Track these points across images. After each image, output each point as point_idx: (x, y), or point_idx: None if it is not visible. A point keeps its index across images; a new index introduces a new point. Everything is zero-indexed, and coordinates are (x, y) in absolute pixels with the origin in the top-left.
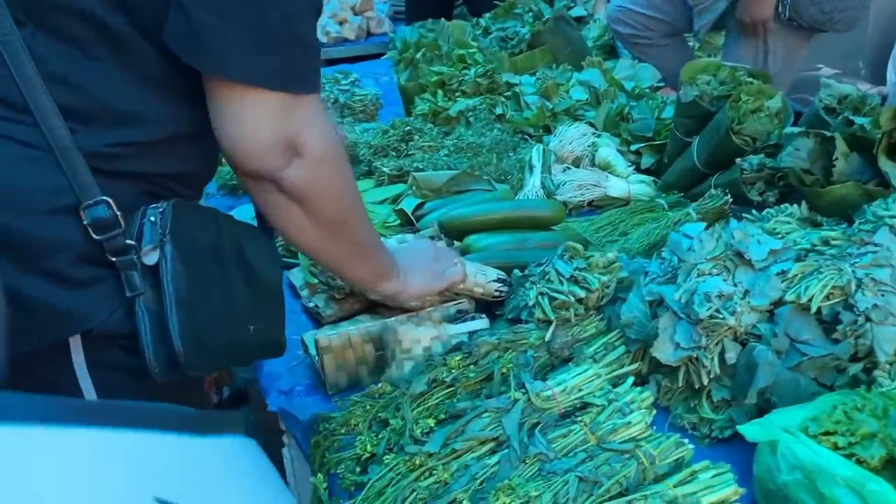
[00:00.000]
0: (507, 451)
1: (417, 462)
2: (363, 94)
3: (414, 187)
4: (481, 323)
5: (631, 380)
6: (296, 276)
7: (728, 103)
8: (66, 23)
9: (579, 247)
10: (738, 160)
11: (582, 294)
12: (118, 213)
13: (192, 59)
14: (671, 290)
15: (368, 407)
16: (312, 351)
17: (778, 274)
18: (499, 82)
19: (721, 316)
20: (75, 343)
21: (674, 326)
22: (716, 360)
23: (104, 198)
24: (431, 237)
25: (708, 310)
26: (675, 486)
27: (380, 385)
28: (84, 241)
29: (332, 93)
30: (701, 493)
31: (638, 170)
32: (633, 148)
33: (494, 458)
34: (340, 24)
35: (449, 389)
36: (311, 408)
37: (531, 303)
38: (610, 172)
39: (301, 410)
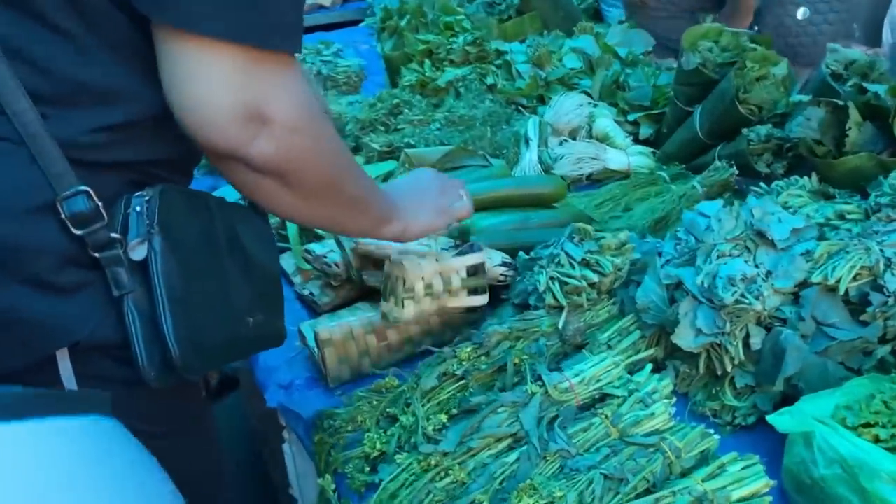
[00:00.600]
0: (526, 447)
1: (433, 462)
2: (346, 66)
3: (406, 164)
4: (479, 256)
5: (649, 367)
6: (287, 262)
7: (733, 71)
8: None
9: (589, 228)
10: (744, 130)
11: (595, 278)
12: (99, 203)
13: (140, 3)
14: (690, 272)
15: (375, 402)
16: (311, 343)
17: (802, 254)
18: (488, 50)
19: (747, 301)
20: (62, 356)
21: (694, 311)
22: (740, 345)
23: (83, 187)
24: None
25: (733, 294)
26: (703, 481)
27: (386, 379)
28: (66, 241)
29: (315, 64)
30: (731, 487)
31: (636, 140)
32: (630, 118)
33: (513, 456)
34: None
35: (460, 383)
36: (314, 403)
37: (541, 288)
38: (608, 144)
39: (303, 406)
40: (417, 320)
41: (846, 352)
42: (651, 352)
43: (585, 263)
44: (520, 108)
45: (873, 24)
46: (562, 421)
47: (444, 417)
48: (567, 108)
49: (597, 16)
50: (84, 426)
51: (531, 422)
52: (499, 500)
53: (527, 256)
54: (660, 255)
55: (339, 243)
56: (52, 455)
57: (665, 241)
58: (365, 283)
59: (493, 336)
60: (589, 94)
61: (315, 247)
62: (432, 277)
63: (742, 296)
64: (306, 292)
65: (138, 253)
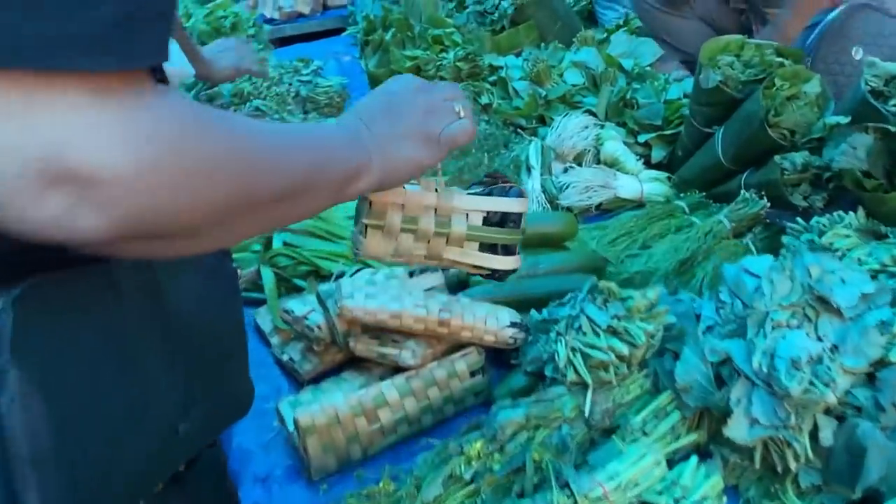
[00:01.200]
0: None
1: None
2: (327, 85)
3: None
4: (511, 203)
5: (695, 461)
6: (263, 319)
7: (761, 90)
8: None
9: (614, 287)
10: (776, 157)
11: (625, 350)
12: None
13: None
14: (740, 346)
15: None
16: (291, 427)
17: (875, 325)
18: (482, 66)
19: (817, 391)
20: None
21: (749, 397)
22: (807, 440)
23: None
24: (426, 266)
25: (800, 383)
26: None
27: (381, 484)
28: None
29: (294, 85)
30: None
31: (648, 164)
32: (641, 139)
33: None
34: None
35: (470, 488)
36: (295, 500)
37: (561, 363)
38: (618, 169)
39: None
40: (394, 256)
41: None
42: (694, 437)
43: (612, 331)
44: (518, 129)
45: None
46: None
47: None
48: (571, 130)
49: (591, 18)
50: None
51: None
52: None
53: (540, 316)
54: (698, 317)
55: (321, 302)
56: None
57: (703, 300)
58: (352, 350)
59: (507, 426)
60: (594, 113)
61: (294, 305)
62: (420, 211)
63: (810, 383)
64: (285, 357)
65: None
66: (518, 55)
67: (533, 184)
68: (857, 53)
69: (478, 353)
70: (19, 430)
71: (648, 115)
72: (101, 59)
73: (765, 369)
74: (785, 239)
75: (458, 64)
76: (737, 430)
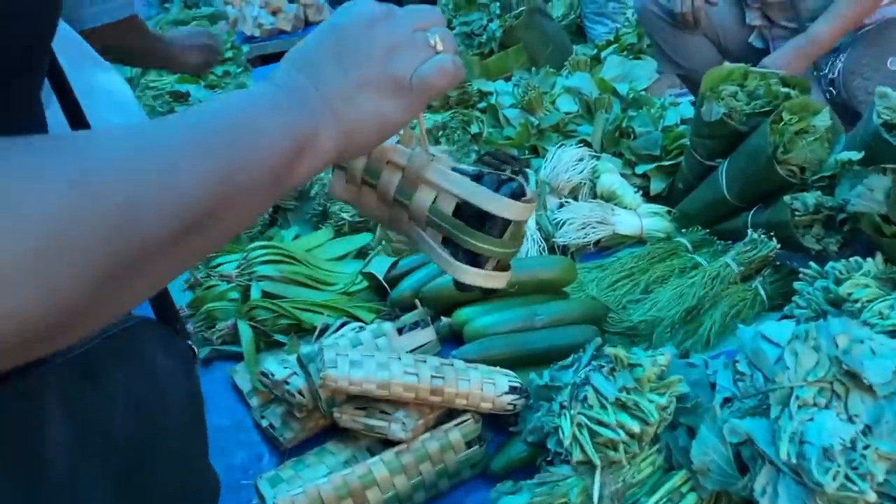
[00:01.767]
0: None
1: None
2: None
3: (384, 241)
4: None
5: None
6: (241, 377)
7: (768, 125)
8: None
9: (622, 353)
10: (786, 198)
11: (636, 427)
12: None
13: None
14: (762, 427)
15: None
16: None
17: None
18: (470, 93)
19: (855, 488)
20: None
21: (774, 486)
22: None
23: None
24: (416, 322)
25: (834, 478)
26: None
27: None
28: None
29: None
30: None
31: (646, 195)
32: (638, 170)
33: None
34: (274, 13)
35: None
36: None
37: (566, 440)
38: (616, 204)
39: None
40: (360, 209)
41: None
42: None
43: (621, 404)
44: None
45: None
46: None
47: None
48: (566, 163)
49: (579, 33)
50: None
51: None
52: None
53: (541, 381)
54: (712, 385)
55: (302, 366)
56: None
57: (717, 363)
58: (336, 421)
59: None
60: (588, 143)
61: (274, 367)
62: (383, 166)
63: (846, 477)
64: (265, 423)
65: None
66: (507, 79)
67: (528, 221)
68: (893, 64)
69: (474, 422)
70: None
71: (646, 145)
72: None
73: (793, 459)
74: (797, 285)
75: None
76: None
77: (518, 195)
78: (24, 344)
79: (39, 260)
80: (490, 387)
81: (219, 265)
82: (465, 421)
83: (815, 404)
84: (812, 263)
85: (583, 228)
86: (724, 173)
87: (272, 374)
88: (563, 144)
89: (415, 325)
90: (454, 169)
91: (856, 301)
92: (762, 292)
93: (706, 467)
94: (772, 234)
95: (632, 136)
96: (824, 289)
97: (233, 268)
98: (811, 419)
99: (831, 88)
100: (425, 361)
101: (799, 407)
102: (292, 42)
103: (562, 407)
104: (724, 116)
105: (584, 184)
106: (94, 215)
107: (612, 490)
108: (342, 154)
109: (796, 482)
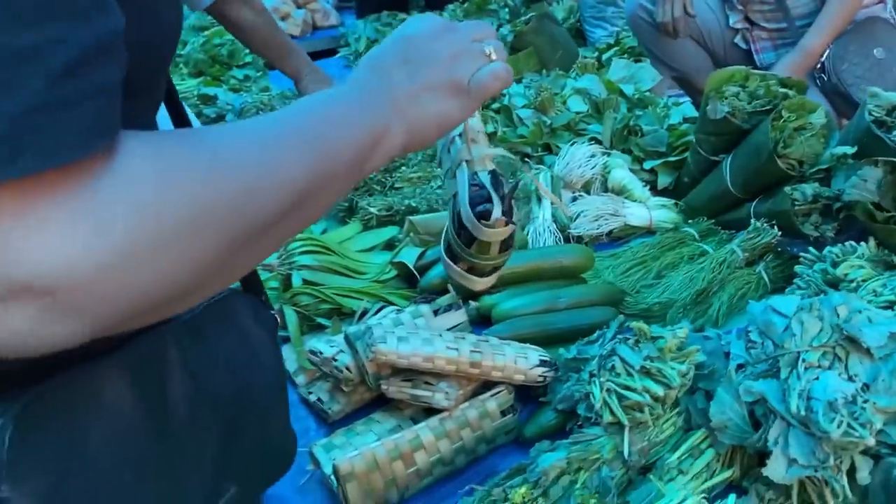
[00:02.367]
0: None
1: None
2: None
3: (411, 233)
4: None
5: (733, 499)
6: (287, 356)
7: (769, 122)
8: None
9: (646, 328)
10: (786, 189)
11: (660, 391)
12: None
13: None
14: (774, 387)
15: None
16: (327, 470)
17: None
18: None
19: (856, 434)
20: None
21: (786, 437)
22: (845, 480)
23: None
24: (449, 305)
25: (838, 426)
26: None
27: None
28: None
29: None
30: None
31: (654, 190)
32: (647, 166)
33: None
34: (283, 19)
35: None
36: None
37: (597, 404)
38: (626, 197)
39: None
40: None
41: None
42: (729, 474)
43: (646, 372)
44: (524, 158)
45: None
46: None
47: None
48: (578, 158)
49: (580, 35)
50: None
51: None
52: None
53: (569, 354)
54: (726, 354)
55: (349, 344)
56: None
57: (731, 336)
58: (384, 393)
59: (550, 471)
60: (599, 141)
61: (322, 346)
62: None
63: (849, 425)
64: (313, 398)
65: None
66: (519, 82)
67: (544, 213)
68: (879, 53)
69: (508, 392)
70: None
71: (653, 143)
72: (8, 167)
73: (802, 412)
74: (797, 268)
75: None
76: (775, 469)
77: (484, 217)
78: (168, 304)
79: (184, 235)
80: (523, 360)
81: None
82: (499, 392)
83: (819, 366)
84: (811, 248)
85: (596, 220)
86: (728, 167)
87: (321, 353)
88: (575, 142)
89: (448, 308)
90: (478, 172)
91: (851, 281)
92: (765, 276)
93: (724, 425)
94: (773, 222)
95: (639, 134)
96: (822, 271)
97: (274, 258)
98: (817, 378)
99: (822, 75)
100: (464, 338)
101: (805, 368)
102: (301, 46)
103: (591, 375)
104: (728, 115)
105: (596, 178)
106: (224, 198)
107: (638, 448)
108: (407, 147)
109: (805, 433)
